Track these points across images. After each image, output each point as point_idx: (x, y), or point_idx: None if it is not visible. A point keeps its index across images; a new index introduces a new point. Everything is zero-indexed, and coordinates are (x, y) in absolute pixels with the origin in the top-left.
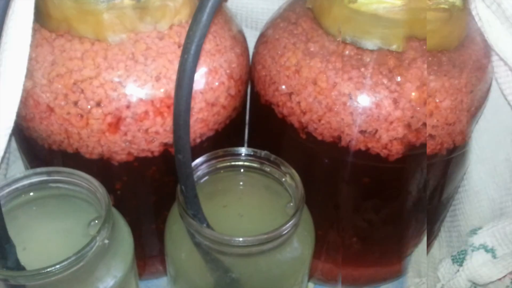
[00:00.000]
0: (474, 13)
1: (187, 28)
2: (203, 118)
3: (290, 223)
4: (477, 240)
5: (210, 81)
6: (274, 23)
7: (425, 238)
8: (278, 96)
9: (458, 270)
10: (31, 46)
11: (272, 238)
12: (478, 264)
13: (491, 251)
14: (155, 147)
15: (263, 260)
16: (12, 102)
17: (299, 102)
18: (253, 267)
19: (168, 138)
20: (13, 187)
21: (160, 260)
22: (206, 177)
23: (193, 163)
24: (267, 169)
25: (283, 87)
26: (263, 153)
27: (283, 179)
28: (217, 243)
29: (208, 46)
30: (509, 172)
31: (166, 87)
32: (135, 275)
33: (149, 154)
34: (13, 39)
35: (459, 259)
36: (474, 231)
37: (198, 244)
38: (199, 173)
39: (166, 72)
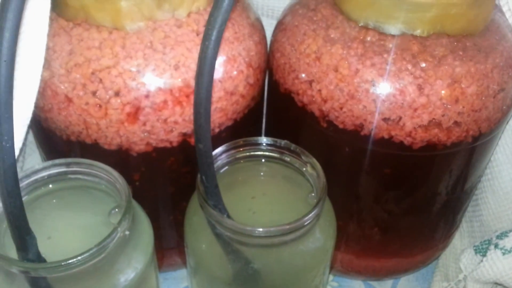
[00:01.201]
0: (505, 9)
1: (205, 16)
2: (222, 107)
3: (312, 213)
4: (508, 242)
5: (229, 70)
6: (292, 10)
7: (453, 242)
8: (298, 84)
9: (481, 261)
10: (48, 35)
11: (294, 229)
12: (509, 268)
13: None
14: (174, 137)
15: (285, 251)
16: (30, 93)
17: (320, 90)
18: (274, 258)
19: (187, 128)
20: (32, 178)
21: (178, 252)
22: (226, 167)
23: (213, 153)
24: (288, 159)
25: (303, 75)
26: (283, 142)
27: (304, 169)
28: (238, 234)
29: (226, 34)
30: None
31: (185, 76)
32: (155, 267)
33: (168, 145)
34: (30, 29)
35: (482, 250)
36: (505, 234)
37: (219, 235)
38: (218, 163)
39: (185, 61)
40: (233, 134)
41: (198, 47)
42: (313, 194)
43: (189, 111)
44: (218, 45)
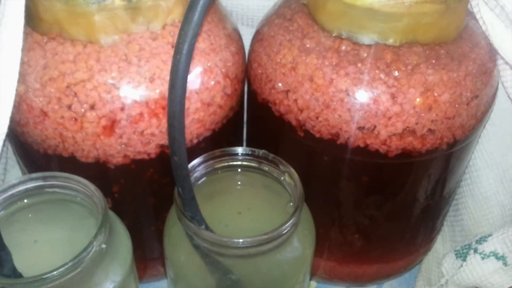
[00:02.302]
0: (478, 16)
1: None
2: (199, 119)
3: (289, 222)
4: (487, 247)
5: (206, 81)
6: (269, 20)
7: (435, 246)
8: (274, 94)
9: (461, 265)
10: (22, 50)
11: (272, 238)
12: (489, 272)
13: (502, 258)
14: (152, 149)
15: (263, 260)
16: (5, 107)
17: (296, 100)
18: (253, 268)
19: (165, 140)
20: (9, 193)
21: (161, 262)
22: (204, 178)
23: (190, 165)
24: (266, 168)
25: (280, 84)
26: (261, 152)
27: (282, 178)
28: (216, 245)
29: (202, 45)
30: None
31: (160, 88)
32: (134, 278)
33: (146, 156)
34: (4, 43)
35: (462, 254)
36: (484, 238)
37: (197, 246)
38: (196, 174)
39: (160, 73)
40: (212, 144)
41: None
42: (291, 204)
43: (165, 123)
44: (190, 58)
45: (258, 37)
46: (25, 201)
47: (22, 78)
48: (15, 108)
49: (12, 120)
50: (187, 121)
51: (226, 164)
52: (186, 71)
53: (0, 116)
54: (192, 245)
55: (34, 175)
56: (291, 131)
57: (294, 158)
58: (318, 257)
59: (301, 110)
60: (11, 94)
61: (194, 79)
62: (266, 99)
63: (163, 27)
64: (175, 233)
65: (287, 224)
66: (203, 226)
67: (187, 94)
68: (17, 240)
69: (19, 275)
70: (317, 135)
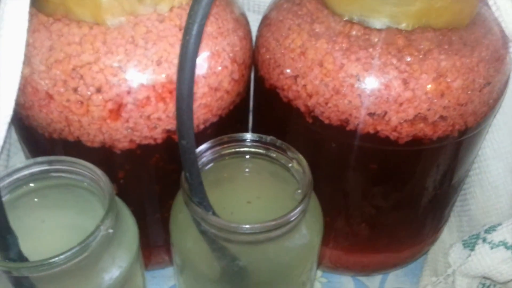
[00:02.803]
0: (491, 2)
1: (188, 11)
2: (206, 104)
3: (298, 209)
4: (496, 237)
5: (213, 65)
6: (277, 4)
7: (441, 236)
8: (283, 79)
9: (469, 255)
10: (28, 31)
11: (280, 225)
12: (498, 262)
13: (511, 248)
14: (158, 134)
15: (271, 247)
16: (10, 90)
17: (305, 85)
18: (260, 255)
19: (171, 125)
20: (14, 177)
21: (165, 250)
22: (211, 164)
23: (197, 150)
24: (273, 155)
25: (288, 70)
26: (269, 138)
27: (290, 165)
28: (223, 231)
29: (210, 28)
30: None
31: (167, 72)
32: (141, 265)
33: (152, 142)
34: (9, 25)
35: (470, 244)
36: (493, 228)
37: (204, 232)
38: (203, 160)
39: (168, 56)
40: (219, 130)
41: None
42: (299, 191)
43: (172, 107)
44: (199, 39)
45: (266, 21)
46: (31, 185)
47: (27, 60)
48: (20, 91)
49: (17, 103)
50: (194, 106)
51: (233, 150)
52: (196, 53)
53: (5, 99)
54: (199, 231)
55: (39, 159)
56: (299, 118)
57: (301, 145)
58: (324, 246)
59: (310, 96)
60: (16, 76)
61: (202, 63)
62: (274, 84)
63: (171, 10)
64: (182, 219)
65: (295, 211)
66: (211, 212)
67: (194, 79)
68: (23, 224)
69: (25, 259)
70: (326, 121)
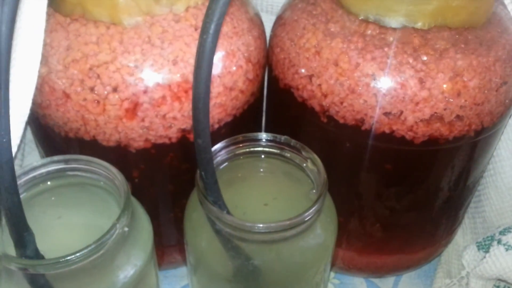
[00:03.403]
0: (507, 1)
1: (203, 10)
2: (221, 103)
3: (313, 208)
4: (511, 238)
5: (228, 65)
6: (291, 4)
7: (455, 238)
8: (297, 79)
9: (484, 257)
10: (45, 31)
11: (295, 224)
12: None
13: None
14: (173, 133)
15: (285, 247)
16: (27, 89)
17: (320, 85)
18: (275, 255)
19: (186, 124)
20: (31, 175)
21: (178, 250)
22: (225, 164)
23: (212, 149)
24: (288, 155)
25: (303, 70)
26: (283, 138)
27: (304, 165)
28: (238, 230)
29: (225, 28)
30: None
31: (183, 71)
32: (154, 264)
33: (167, 141)
34: (27, 25)
35: (485, 246)
36: (508, 229)
37: (219, 231)
38: (218, 159)
39: (183, 56)
40: (233, 130)
41: (197, 42)
42: (314, 191)
43: (188, 106)
44: (217, 38)
45: (280, 21)
46: (48, 183)
47: (45, 59)
48: (37, 90)
49: (34, 102)
50: (209, 105)
51: (248, 149)
52: (213, 52)
53: (23, 98)
54: (214, 230)
55: (56, 157)
56: (313, 117)
57: (315, 145)
58: (337, 247)
59: (325, 95)
60: (34, 76)
61: (217, 63)
62: (289, 84)
63: (186, 10)
64: (196, 218)
65: (310, 210)
66: (225, 211)
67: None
68: (39, 222)
69: (42, 257)
70: (341, 121)
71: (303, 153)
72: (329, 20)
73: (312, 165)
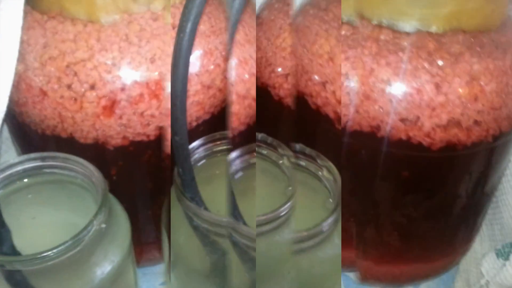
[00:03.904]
0: None
1: (181, 9)
2: (199, 101)
3: (329, 219)
4: None
5: (206, 64)
6: (269, 4)
7: (473, 246)
8: (311, 86)
9: (504, 265)
10: (22, 29)
11: (272, 219)
12: None
13: None
14: (151, 131)
15: (263, 242)
16: (4, 87)
17: (334, 92)
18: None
19: (164, 122)
20: (7, 173)
21: (157, 247)
22: (203, 161)
23: (190, 146)
24: (264, 152)
25: (316, 76)
26: (260, 135)
27: (280, 162)
28: (215, 226)
29: (203, 27)
30: None
31: (161, 69)
32: (132, 261)
33: (145, 138)
34: (4, 22)
35: (504, 253)
36: None
37: (196, 227)
38: (196, 156)
39: (161, 54)
40: (211, 128)
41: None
42: (289, 189)
43: (165, 104)
44: (193, 37)
45: (257, 21)
46: (25, 181)
47: (22, 57)
48: (14, 87)
49: (11, 100)
50: (187, 103)
51: (225, 147)
52: (189, 50)
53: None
54: (191, 226)
55: (32, 155)
56: (327, 124)
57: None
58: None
59: (340, 102)
60: (10, 73)
61: (194, 62)
62: (266, 83)
63: (164, 8)
64: (174, 214)
65: (326, 222)
66: (203, 207)
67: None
68: (16, 220)
69: (18, 253)
70: (357, 128)
71: (280, 150)
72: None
73: (288, 162)
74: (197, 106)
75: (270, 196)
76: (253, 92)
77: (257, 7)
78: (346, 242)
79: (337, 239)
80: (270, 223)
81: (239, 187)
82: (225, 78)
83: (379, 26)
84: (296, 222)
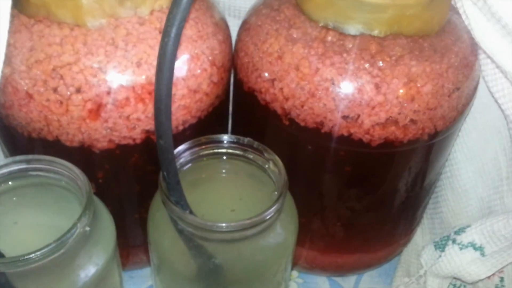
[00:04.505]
0: (461, 10)
1: None
2: (185, 105)
3: (273, 208)
4: (465, 238)
5: (192, 68)
6: (256, 10)
7: (414, 238)
8: (260, 82)
9: (440, 256)
10: (9, 32)
11: (255, 223)
12: (466, 262)
13: (479, 249)
14: (137, 134)
15: (246, 246)
16: None
17: (281, 88)
18: (236, 253)
19: (150, 125)
20: None
21: (143, 250)
22: (189, 165)
23: (176, 150)
24: (251, 156)
25: (266, 74)
26: (246, 140)
27: (266, 166)
28: (199, 229)
29: (189, 32)
30: (496, 170)
31: (147, 73)
32: (117, 263)
33: (131, 142)
34: None
35: (441, 245)
36: (462, 229)
37: (181, 231)
38: (181, 160)
39: (147, 58)
40: (198, 132)
41: None
42: (276, 193)
43: (152, 108)
44: (178, 42)
45: (245, 26)
46: (9, 183)
47: (8, 60)
48: (0, 90)
49: None
50: (173, 107)
51: (211, 151)
52: (174, 55)
53: None
54: (176, 229)
55: (18, 157)
56: (276, 120)
57: (278, 147)
58: (300, 247)
59: (287, 99)
60: None
61: (181, 66)
62: (252, 87)
63: (151, 13)
64: (159, 217)
65: (270, 210)
66: (188, 211)
67: (173, 81)
68: (0, 221)
69: (2, 255)
70: (302, 124)
71: (265, 154)
72: (291, 26)
73: (274, 166)
74: (183, 110)
75: (256, 200)
76: (205, 87)
77: (244, 14)
78: (331, 247)
79: (279, 229)
80: (255, 227)
81: (188, 178)
82: (211, 82)
83: (326, 28)
84: (244, 212)
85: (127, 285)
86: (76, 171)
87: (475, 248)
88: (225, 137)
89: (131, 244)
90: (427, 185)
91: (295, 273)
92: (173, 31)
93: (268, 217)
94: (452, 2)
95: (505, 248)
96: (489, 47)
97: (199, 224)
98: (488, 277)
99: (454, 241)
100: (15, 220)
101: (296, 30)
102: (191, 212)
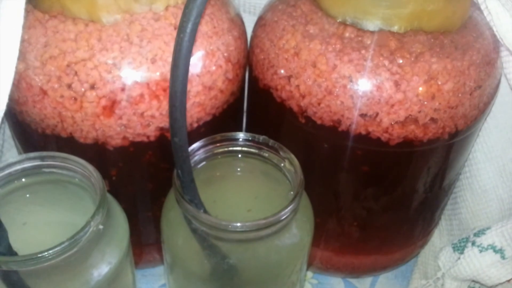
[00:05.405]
0: (483, 7)
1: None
2: (200, 102)
3: (289, 208)
4: (485, 240)
5: (207, 64)
6: (272, 6)
7: (432, 239)
8: (276, 79)
9: (459, 258)
10: (23, 27)
11: (270, 223)
12: (486, 265)
13: (500, 251)
14: (151, 132)
15: (261, 246)
16: (4, 85)
17: (298, 86)
18: (251, 253)
19: (164, 122)
20: (6, 172)
21: (156, 249)
22: (203, 163)
23: (190, 148)
24: (266, 155)
25: (282, 70)
26: (262, 138)
27: (282, 165)
28: (214, 229)
29: (205, 28)
30: None
31: (162, 70)
32: (131, 262)
33: (145, 139)
34: (5, 21)
35: (460, 247)
36: (482, 231)
37: (195, 230)
38: (196, 158)
39: (162, 54)
40: (212, 129)
41: None
42: (292, 192)
43: (166, 105)
44: (193, 37)
45: (261, 22)
46: (23, 180)
47: (22, 56)
48: (14, 86)
49: (11, 98)
50: (188, 104)
51: (226, 149)
52: (189, 51)
53: None
54: (190, 228)
55: (31, 154)
56: (292, 118)
57: (294, 146)
58: (315, 247)
59: (303, 96)
60: (11, 72)
61: (196, 62)
62: (268, 85)
63: (166, 8)
64: (173, 216)
65: (286, 210)
66: (202, 210)
67: (188, 77)
68: (13, 219)
69: (14, 254)
70: (319, 122)
71: (281, 153)
72: (308, 22)
73: (290, 165)
74: (198, 107)
75: (271, 199)
76: (220, 84)
77: (259, 10)
78: (347, 247)
79: (295, 229)
80: (270, 227)
81: (202, 176)
82: (226, 79)
83: (344, 24)
84: (260, 212)
85: (139, 284)
86: (89, 168)
87: (495, 251)
88: (240, 135)
89: (144, 243)
90: (446, 185)
91: (309, 274)
92: (189, 26)
93: (283, 217)
94: None
95: None
96: None
97: (214, 223)
98: (508, 280)
99: (473, 243)
100: (28, 218)
101: (313, 26)
102: (205, 211)
